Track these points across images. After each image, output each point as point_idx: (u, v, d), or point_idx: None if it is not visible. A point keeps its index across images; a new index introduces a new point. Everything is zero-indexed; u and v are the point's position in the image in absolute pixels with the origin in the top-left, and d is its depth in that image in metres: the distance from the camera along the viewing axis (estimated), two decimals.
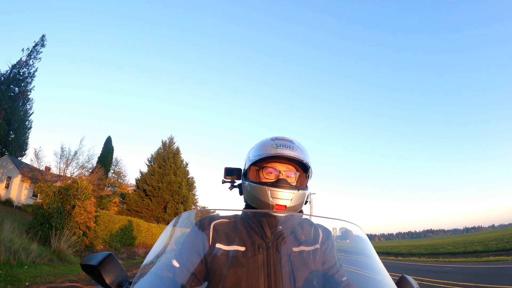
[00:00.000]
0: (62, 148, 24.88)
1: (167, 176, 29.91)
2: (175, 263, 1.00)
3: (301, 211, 1.21)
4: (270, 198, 1.06)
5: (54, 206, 11.71)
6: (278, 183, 1.08)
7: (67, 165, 24.55)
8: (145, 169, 31.61)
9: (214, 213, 1.22)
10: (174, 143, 32.83)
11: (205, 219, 1.11)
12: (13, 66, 29.64)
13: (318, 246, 1.09)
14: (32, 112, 31.50)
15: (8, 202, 23.55)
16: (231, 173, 1.28)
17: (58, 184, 17.58)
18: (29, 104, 31.09)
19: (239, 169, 1.29)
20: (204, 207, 34.46)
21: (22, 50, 30.70)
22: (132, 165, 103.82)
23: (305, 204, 1.22)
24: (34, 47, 31.25)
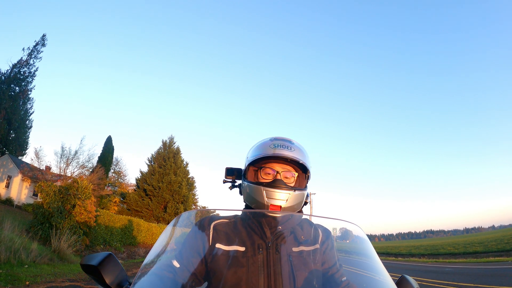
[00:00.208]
0: (62, 148, 24.88)
1: (167, 176, 29.94)
2: (176, 263, 1.00)
3: (300, 211, 1.21)
4: (266, 198, 1.07)
5: (55, 206, 11.72)
6: (273, 183, 1.08)
7: (67, 165, 24.59)
8: (145, 168, 31.70)
9: (214, 213, 1.22)
10: (174, 143, 32.89)
11: (205, 219, 1.12)
12: (14, 66, 29.70)
13: (318, 246, 1.09)
14: (33, 112, 31.62)
15: (8, 201, 23.58)
16: (231, 173, 1.29)
17: (59, 183, 17.60)
18: (30, 104, 31.19)
19: (240, 169, 1.29)
20: (204, 207, 34.48)
21: (23, 49, 30.81)
22: (132, 165, 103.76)
23: (305, 205, 1.22)
24: (34, 46, 31.31)
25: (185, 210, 28.54)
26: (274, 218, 1.07)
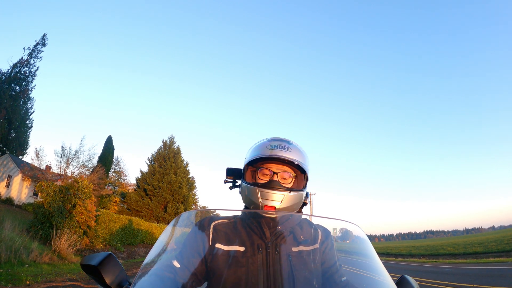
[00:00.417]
0: (62, 147, 24.85)
1: (168, 176, 29.94)
2: (176, 263, 1.01)
3: (300, 212, 1.21)
4: (260, 199, 1.07)
5: (55, 205, 11.72)
6: (268, 184, 1.08)
7: (67, 164, 24.58)
8: (145, 168, 31.68)
9: (214, 213, 1.23)
10: (174, 143, 32.87)
11: (205, 220, 1.12)
12: (14, 65, 29.67)
13: (317, 246, 1.09)
14: (33, 111, 31.58)
15: (8, 201, 23.59)
16: (232, 174, 1.29)
17: (59, 183, 17.62)
18: (30, 103, 31.16)
19: (240, 170, 1.29)
20: (204, 207, 34.48)
21: (23, 49, 30.75)
22: (133, 165, 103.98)
23: (305, 205, 1.22)
24: (35, 46, 31.28)
25: (185, 210, 28.54)
26: (274, 218, 1.07)
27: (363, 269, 1.04)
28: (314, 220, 1.18)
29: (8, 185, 26.21)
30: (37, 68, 31.23)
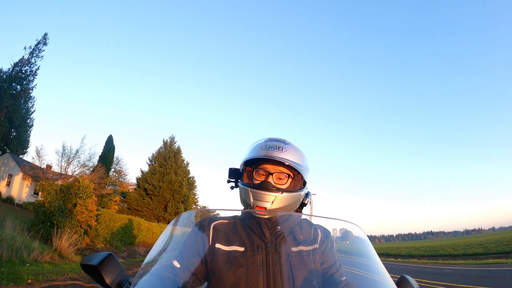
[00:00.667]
0: (63, 147, 24.89)
1: (168, 175, 29.96)
2: (176, 264, 1.01)
3: (299, 212, 1.21)
4: (252, 200, 1.07)
5: (56, 205, 11.75)
6: (260, 185, 1.08)
7: (68, 164, 24.63)
8: (146, 168, 31.72)
9: (214, 214, 1.23)
10: (175, 143, 32.90)
11: (205, 220, 1.13)
12: (15, 64, 29.71)
13: (317, 246, 1.09)
14: (34, 110, 31.60)
15: (9, 200, 23.64)
16: (234, 174, 1.29)
17: (60, 182, 17.64)
18: (31, 102, 31.19)
19: None
20: (205, 207, 34.51)
21: (25, 48, 30.78)
22: (133, 164, 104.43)
23: (305, 205, 1.23)
24: (36, 45, 31.31)
25: (185, 209, 28.57)
26: (273, 218, 1.07)
27: (363, 270, 1.04)
28: (314, 220, 1.18)
29: (8, 184, 26.26)
30: (38, 67, 31.31)
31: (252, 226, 1.07)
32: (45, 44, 31.82)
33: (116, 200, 30.03)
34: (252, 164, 1.15)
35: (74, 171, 24.75)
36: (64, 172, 24.02)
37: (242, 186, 1.13)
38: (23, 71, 30.17)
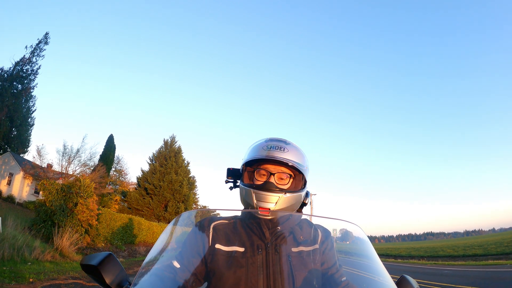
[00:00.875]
0: (64, 146, 24.96)
1: (168, 175, 29.98)
2: (176, 264, 1.01)
3: (300, 212, 1.21)
4: (255, 201, 1.06)
5: (57, 204, 11.78)
6: (263, 185, 1.07)
7: (69, 163, 24.68)
8: (146, 167, 31.73)
9: (214, 214, 1.23)
10: (175, 142, 32.92)
11: (205, 220, 1.12)
12: (17, 63, 29.78)
13: (317, 246, 1.08)
14: (35, 109, 31.70)
15: (9, 199, 23.69)
16: (232, 174, 1.28)
17: (60, 181, 17.69)
18: (32, 101, 31.27)
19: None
20: (205, 207, 34.56)
21: (26, 47, 30.87)
22: (134, 164, 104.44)
23: (305, 206, 1.22)
24: (37, 44, 31.39)
25: (185, 209, 28.62)
26: (273, 218, 1.07)
27: (364, 270, 1.04)
28: (314, 220, 1.17)
29: (9, 183, 26.31)
30: (39, 66, 31.40)
31: (252, 227, 1.07)
32: (46, 43, 31.92)
33: (116, 199, 30.05)
34: (253, 164, 1.14)
35: (75, 170, 24.80)
36: (65, 171, 24.07)
37: (243, 186, 1.12)
38: (24, 70, 30.24)
